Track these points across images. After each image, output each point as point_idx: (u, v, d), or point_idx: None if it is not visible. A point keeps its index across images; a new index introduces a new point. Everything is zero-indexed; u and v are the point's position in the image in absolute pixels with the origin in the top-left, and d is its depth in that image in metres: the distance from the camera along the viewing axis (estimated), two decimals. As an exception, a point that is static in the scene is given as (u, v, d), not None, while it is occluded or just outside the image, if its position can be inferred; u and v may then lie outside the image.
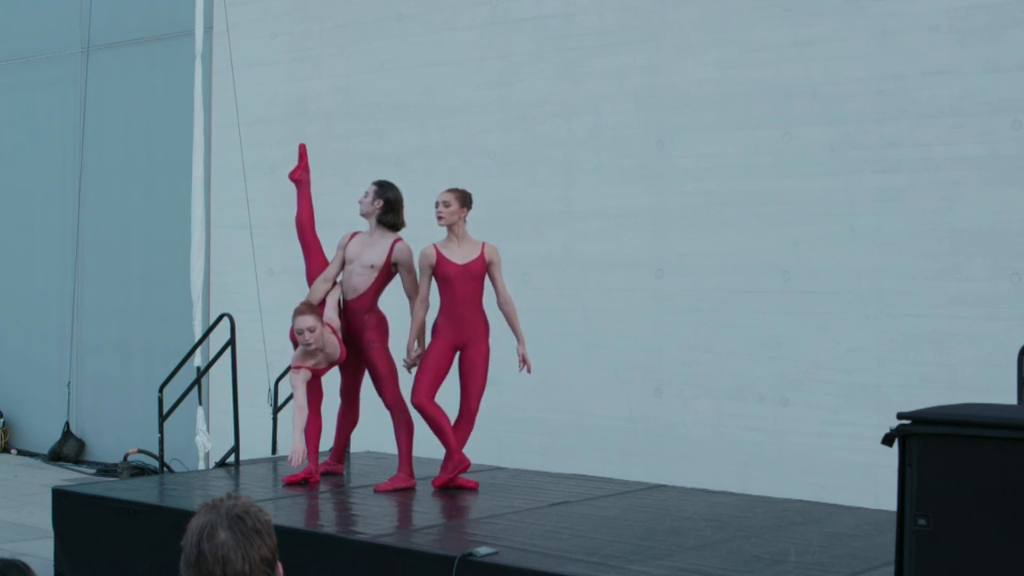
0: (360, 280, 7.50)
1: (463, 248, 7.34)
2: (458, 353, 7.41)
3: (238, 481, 8.07)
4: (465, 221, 7.39)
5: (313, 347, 7.28)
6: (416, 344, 7.47)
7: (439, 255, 7.29)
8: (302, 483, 7.55)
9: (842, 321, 8.38)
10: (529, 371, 7.55)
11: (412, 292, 7.50)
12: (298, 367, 7.36)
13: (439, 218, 7.33)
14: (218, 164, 11.75)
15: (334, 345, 7.38)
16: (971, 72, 7.97)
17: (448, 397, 7.57)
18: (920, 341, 8.08)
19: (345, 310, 7.59)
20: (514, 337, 7.54)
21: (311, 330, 7.22)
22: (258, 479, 8.11)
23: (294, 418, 7.31)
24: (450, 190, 7.43)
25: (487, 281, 7.44)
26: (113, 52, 13.32)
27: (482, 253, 7.36)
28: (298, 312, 7.30)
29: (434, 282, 7.40)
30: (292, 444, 7.26)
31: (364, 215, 7.58)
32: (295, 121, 11.42)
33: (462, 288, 7.30)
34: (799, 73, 8.60)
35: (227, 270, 11.78)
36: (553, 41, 9.84)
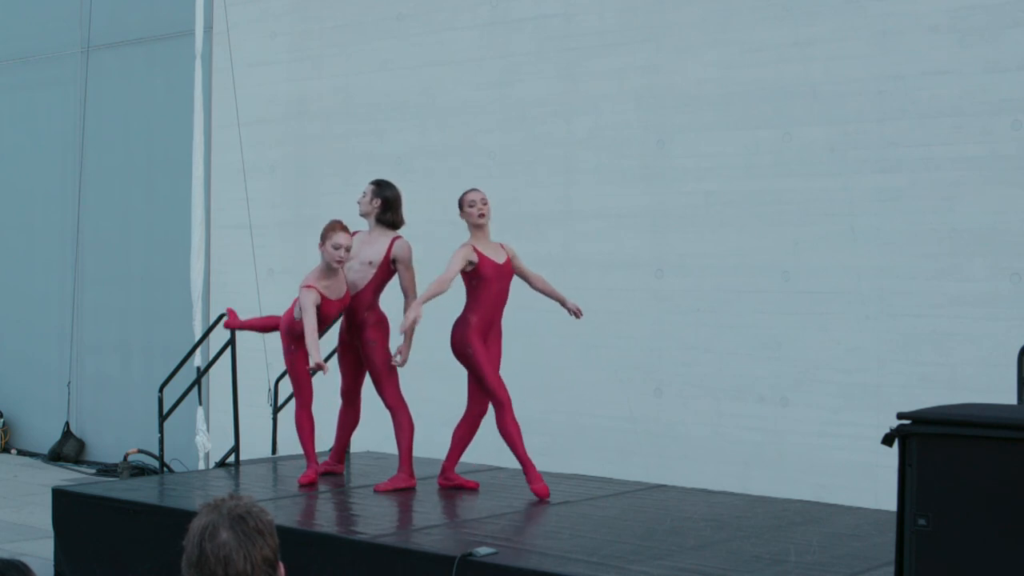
0: (359, 276, 7.51)
1: (491, 249, 7.28)
2: None
3: (238, 481, 8.07)
4: None
5: (342, 265, 7.29)
6: (405, 342, 7.43)
7: (480, 254, 7.18)
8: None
9: (842, 321, 8.38)
10: (579, 316, 7.48)
11: (410, 289, 7.48)
12: (310, 286, 7.32)
13: (480, 216, 7.21)
14: (218, 164, 11.75)
15: (344, 283, 7.40)
16: (971, 72, 7.96)
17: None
18: (920, 341, 8.08)
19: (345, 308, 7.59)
20: (556, 302, 7.48)
21: (348, 249, 7.26)
22: (258, 479, 8.11)
23: (308, 338, 7.15)
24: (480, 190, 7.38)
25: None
26: (113, 52, 13.32)
27: (506, 254, 7.31)
28: (333, 229, 7.29)
29: (421, 282, 7.37)
30: (311, 357, 7.10)
31: (363, 215, 7.60)
32: (295, 121, 11.42)
33: (498, 287, 7.21)
34: (799, 73, 8.60)
35: (227, 270, 11.78)
36: (553, 41, 9.84)
